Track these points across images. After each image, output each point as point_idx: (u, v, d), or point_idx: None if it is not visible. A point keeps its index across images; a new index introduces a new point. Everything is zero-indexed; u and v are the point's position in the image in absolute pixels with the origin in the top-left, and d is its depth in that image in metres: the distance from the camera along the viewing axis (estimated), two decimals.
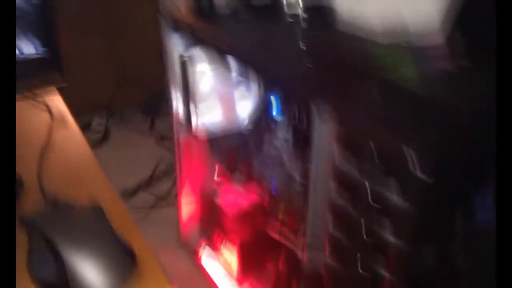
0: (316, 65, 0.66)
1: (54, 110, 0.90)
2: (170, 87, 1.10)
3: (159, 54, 1.17)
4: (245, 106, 1.05)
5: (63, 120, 0.88)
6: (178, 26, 1.01)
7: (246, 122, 1.06)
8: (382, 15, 0.98)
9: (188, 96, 1.01)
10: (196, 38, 0.99)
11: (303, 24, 0.96)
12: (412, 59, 0.64)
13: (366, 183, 0.58)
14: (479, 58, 0.56)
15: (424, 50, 0.67)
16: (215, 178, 1.25)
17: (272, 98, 0.89)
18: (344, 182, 0.62)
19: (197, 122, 1.03)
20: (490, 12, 0.51)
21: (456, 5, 0.64)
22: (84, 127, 1.96)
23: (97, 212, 0.49)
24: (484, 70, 0.54)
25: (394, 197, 0.54)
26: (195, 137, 1.06)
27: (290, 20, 0.96)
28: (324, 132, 0.64)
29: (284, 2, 0.98)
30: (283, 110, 0.93)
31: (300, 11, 0.98)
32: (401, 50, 0.67)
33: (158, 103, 2.06)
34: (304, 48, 0.88)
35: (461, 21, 0.63)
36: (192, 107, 1.02)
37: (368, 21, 0.98)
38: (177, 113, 1.13)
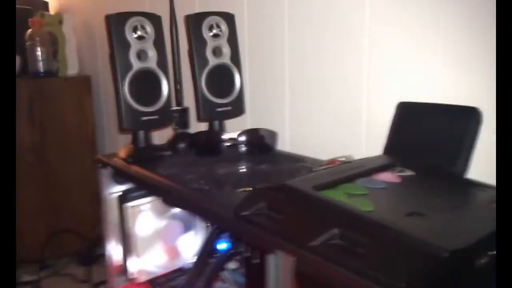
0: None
1: None
2: (107, 232, 1.03)
3: (94, 201, 1.11)
4: (187, 242, 0.99)
5: None
6: (117, 172, 0.98)
7: (189, 257, 0.99)
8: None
9: (125, 238, 0.94)
10: (134, 183, 0.96)
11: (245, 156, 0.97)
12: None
13: None
14: None
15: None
16: None
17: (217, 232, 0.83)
18: None
19: (136, 265, 0.94)
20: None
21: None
22: None
23: None
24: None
25: None
26: (135, 281, 0.96)
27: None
28: (280, 266, 0.58)
29: (226, 138, 0.99)
30: (231, 242, 0.87)
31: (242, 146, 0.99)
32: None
33: (94, 251, 1.94)
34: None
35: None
36: (130, 249, 0.93)
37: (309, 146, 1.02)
38: (113, 258, 1.03)
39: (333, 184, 0.64)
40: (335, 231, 0.53)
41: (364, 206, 0.57)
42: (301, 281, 0.55)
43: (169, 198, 0.85)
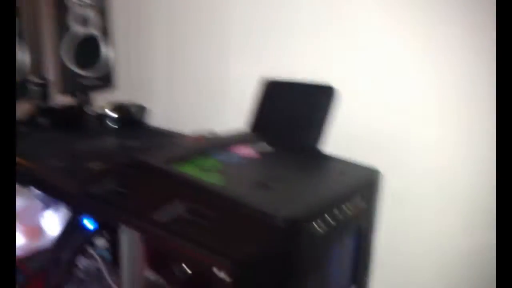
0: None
1: None
2: None
3: None
4: (49, 221, 0.93)
5: None
6: None
7: (54, 237, 0.93)
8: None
9: None
10: None
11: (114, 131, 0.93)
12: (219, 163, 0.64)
13: None
14: None
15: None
16: None
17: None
18: None
19: None
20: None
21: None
22: None
23: None
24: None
25: None
26: None
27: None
28: (130, 241, 0.57)
29: (92, 113, 0.94)
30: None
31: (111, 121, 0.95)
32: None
33: None
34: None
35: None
36: None
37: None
38: None
39: (188, 158, 0.64)
40: (182, 204, 0.53)
41: (213, 179, 0.58)
42: (149, 255, 0.55)
43: (21, 176, 0.79)
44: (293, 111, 0.77)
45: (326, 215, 0.56)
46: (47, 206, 0.92)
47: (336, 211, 0.58)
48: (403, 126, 0.73)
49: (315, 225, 0.54)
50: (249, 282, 0.47)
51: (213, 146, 0.69)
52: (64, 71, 0.96)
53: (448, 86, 0.68)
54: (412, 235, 0.75)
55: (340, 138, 0.76)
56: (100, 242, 0.91)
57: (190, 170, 0.60)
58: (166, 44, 1.03)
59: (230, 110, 0.93)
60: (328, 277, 0.60)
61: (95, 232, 0.85)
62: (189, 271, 0.50)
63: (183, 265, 0.50)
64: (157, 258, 0.55)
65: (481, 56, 0.64)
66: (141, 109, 0.98)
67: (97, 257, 0.92)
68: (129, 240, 0.58)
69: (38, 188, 0.81)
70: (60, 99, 1.06)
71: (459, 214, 0.70)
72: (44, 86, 0.99)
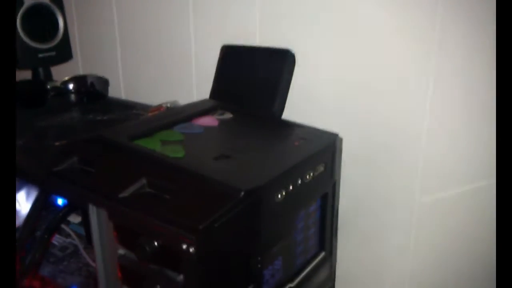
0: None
1: None
2: None
3: None
4: (24, 200, 0.92)
5: None
6: None
7: (27, 215, 0.92)
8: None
9: None
10: None
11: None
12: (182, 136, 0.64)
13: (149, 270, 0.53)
14: None
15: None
16: None
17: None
18: (130, 271, 0.56)
19: None
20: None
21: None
22: None
23: None
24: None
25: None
26: None
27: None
28: (98, 220, 0.58)
29: (51, 87, 0.92)
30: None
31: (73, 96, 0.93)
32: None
33: None
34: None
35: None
36: None
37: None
38: None
39: (150, 132, 0.64)
40: (144, 180, 0.54)
41: (175, 152, 0.58)
42: (119, 232, 0.56)
43: None
44: (252, 77, 0.77)
45: (288, 183, 0.57)
46: (18, 186, 0.91)
47: (298, 178, 0.59)
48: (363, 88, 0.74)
49: (277, 193, 0.55)
50: (212, 253, 0.48)
51: (175, 117, 0.69)
52: (18, 44, 0.93)
53: (412, 48, 0.68)
54: (377, 198, 0.76)
55: (299, 104, 0.76)
56: (74, 218, 0.91)
57: (151, 145, 0.60)
58: (121, 11, 1.00)
59: (193, 79, 0.92)
60: (295, 246, 0.62)
61: (68, 209, 0.85)
62: (156, 245, 0.51)
63: (150, 239, 0.51)
64: (126, 234, 0.55)
65: None
66: (103, 81, 0.96)
67: (72, 234, 0.93)
68: (98, 218, 0.58)
69: None
70: (17, 75, 1.03)
71: (423, 169, 0.72)
72: None
